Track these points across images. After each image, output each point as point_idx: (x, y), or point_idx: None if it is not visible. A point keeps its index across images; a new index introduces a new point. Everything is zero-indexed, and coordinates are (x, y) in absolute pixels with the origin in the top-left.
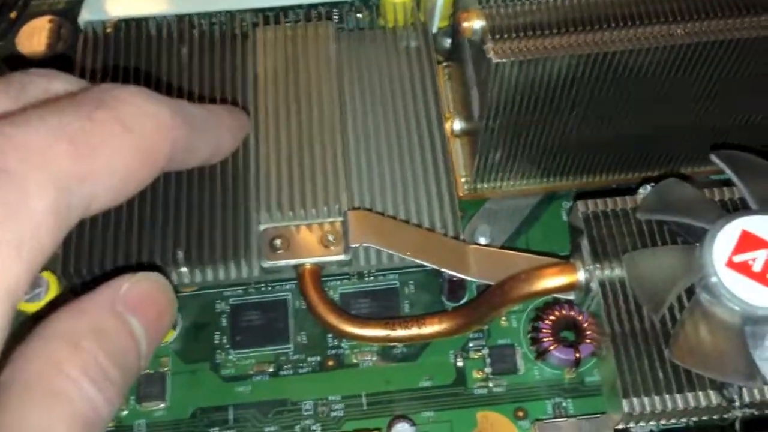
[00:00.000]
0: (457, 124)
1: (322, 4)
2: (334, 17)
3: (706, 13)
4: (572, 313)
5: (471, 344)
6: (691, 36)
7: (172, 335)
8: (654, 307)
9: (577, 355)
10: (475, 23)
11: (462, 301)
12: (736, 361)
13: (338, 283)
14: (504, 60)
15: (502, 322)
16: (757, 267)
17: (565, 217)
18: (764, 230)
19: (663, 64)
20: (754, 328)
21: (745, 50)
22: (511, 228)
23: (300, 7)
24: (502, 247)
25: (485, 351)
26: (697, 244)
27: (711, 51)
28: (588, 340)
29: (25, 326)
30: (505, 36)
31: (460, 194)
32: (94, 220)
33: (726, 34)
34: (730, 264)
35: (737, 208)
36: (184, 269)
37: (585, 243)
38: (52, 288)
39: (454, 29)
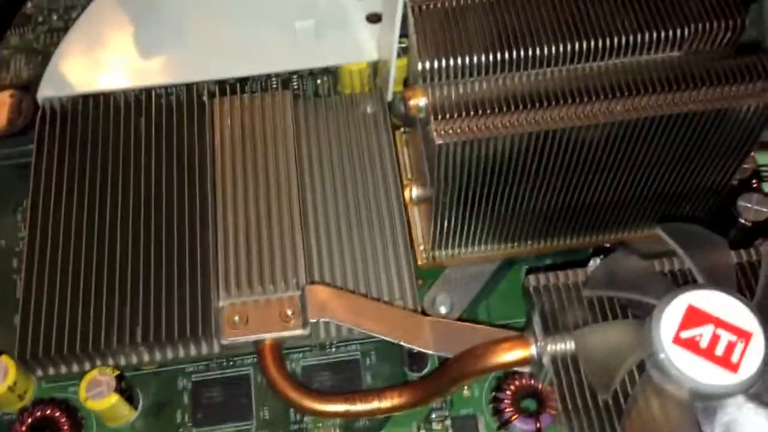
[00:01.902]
0: (415, 192)
1: (281, 74)
2: (293, 85)
3: (645, 89)
4: (533, 382)
5: (434, 415)
6: (630, 112)
7: (134, 415)
8: (603, 386)
9: (538, 425)
10: (420, 101)
11: (425, 370)
12: None
13: (300, 355)
14: (447, 141)
15: (465, 392)
16: (703, 343)
17: None
18: (710, 305)
19: (605, 139)
20: (705, 404)
21: (684, 124)
22: (471, 295)
23: (258, 76)
24: (461, 316)
25: (448, 422)
26: (647, 318)
27: (651, 126)
28: (548, 410)
29: None
30: (448, 116)
31: (420, 262)
32: (51, 301)
33: (664, 109)
34: (677, 340)
35: (686, 280)
36: (142, 348)
37: (536, 318)
38: (10, 372)
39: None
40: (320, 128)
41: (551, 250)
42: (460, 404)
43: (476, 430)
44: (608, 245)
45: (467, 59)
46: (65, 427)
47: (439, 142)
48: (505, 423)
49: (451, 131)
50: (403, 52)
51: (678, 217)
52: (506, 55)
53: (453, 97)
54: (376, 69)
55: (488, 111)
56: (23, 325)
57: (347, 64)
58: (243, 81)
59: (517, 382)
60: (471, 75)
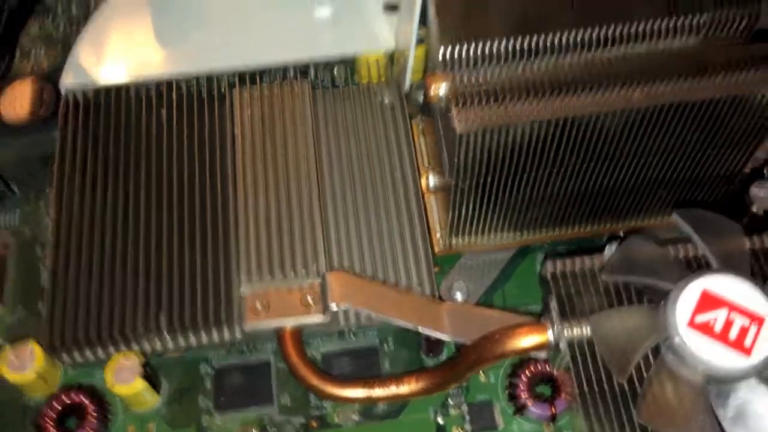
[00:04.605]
0: (432, 180)
1: (299, 64)
2: (311, 76)
3: (664, 75)
4: (548, 367)
5: (450, 401)
6: (648, 99)
7: (158, 400)
8: (620, 370)
9: (553, 410)
10: (440, 88)
11: (441, 356)
12: (702, 421)
13: (319, 342)
14: (468, 128)
15: (481, 378)
16: (717, 327)
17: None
18: (724, 290)
19: (623, 126)
20: (718, 387)
21: (701, 111)
22: (487, 282)
23: (276, 67)
24: (478, 302)
25: (464, 408)
26: (662, 303)
27: (668, 113)
28: (563, 396)
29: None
30: (470, 103)
31: (436, 250)
32: (76, 289)
33: (682, 96)
34: (692, 324)
35: (701, 266)
36: (166, 334)
37: (553, 303)
38: (38, 359)
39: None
40: (338, 118)
41: (566, 238)
42: (476, 390)
43: (492, 416)
44: (622, 233)
45: (488, 46)
46: (93, 414)
47: (460, 129)
48: (521, 408)
49: (472, 118)
50: (420, 41)
51: (692, 203)
52: (527, 41)
53: (474, 84)
54: (393, 59)
55: (508, 98)
56: (49, 312)
57: (364, 54)
58: (262, 72)
59: (532, 368)
60: (491, 62)
